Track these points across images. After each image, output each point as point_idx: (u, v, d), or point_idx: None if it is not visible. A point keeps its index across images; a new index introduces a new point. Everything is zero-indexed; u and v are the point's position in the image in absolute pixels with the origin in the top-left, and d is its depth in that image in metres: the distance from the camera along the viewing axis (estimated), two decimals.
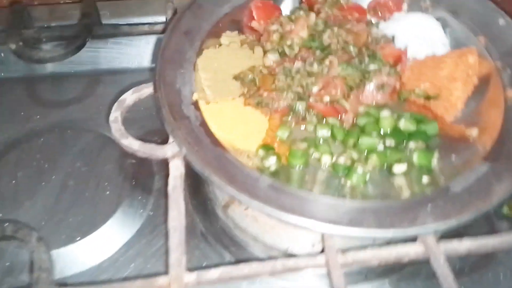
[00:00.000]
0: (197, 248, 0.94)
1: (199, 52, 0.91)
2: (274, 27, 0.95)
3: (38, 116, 1.16)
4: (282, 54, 0.94)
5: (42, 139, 1.09)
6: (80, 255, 0.92)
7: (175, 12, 1.16)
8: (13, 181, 1.02)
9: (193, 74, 0.87)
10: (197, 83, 0.88)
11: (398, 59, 0.94)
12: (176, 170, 0.81)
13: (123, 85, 1.20)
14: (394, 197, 0.77)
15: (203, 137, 0.78)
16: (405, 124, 0.87)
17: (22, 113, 1.17)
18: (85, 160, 1.05)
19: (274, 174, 0.81)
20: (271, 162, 0.80)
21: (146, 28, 1.11)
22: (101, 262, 0.92)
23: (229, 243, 0.94)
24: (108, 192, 1.00)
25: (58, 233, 0.94)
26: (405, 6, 1.04)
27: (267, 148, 0.84)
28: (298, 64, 0.88)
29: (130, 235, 0.96)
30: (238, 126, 0.85)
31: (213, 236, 0.95)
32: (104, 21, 1.23)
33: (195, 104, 0.83)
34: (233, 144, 0.83)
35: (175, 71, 0.86)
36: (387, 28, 1.00)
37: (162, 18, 1.19)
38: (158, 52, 0.88)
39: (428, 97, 0.93)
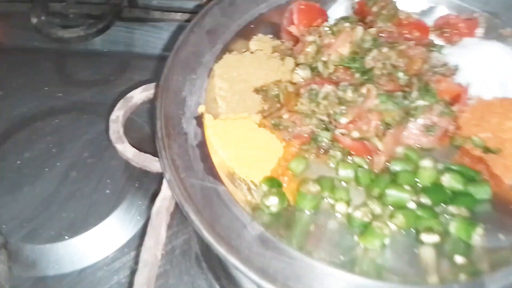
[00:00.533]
0: (187, 274, 0.84)
1: (219, 56, 0.79)
2: (311, 37, 0.80)
3: (60, 94, 1.11)
4: (315, 71, 0.80)
5: (57, 121, 1.04)
6: (64, 256, 0.86)
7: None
8: (18, 162, 0.98)
9: (205, 82, 0.76)
10: (208, 92, 0.76)
11: (457, 97, 0.76)
12: (168, 190, 0.71)
13: (152, 72, 1.13)
14: (411, 276, 0.61)
15: (196, 161, 0.66)
16: (449, 181, 0.71)
17: (46, 88, 1.12)
18: (93, 151, 0.98)
19: (274, 216, 0.68)
20: (272, 203, 0.68)
21: (178, 16, 1.00)
22: (84, 267, 0.85)
23: (222, 275, 0.83)
24: (108, 191, 0.92)
25: (48, 227, 0.88)
26: (479, 31, 0.84)
27: (273, 182, 0.71)
28: (327, 88, 0.73)
29: (121, 243, 0.88)
30: (246, 150, 0.73)
31: (208, 263, 0.85)
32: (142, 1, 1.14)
33: (199, 119, 0.72)
34: (235, 170, 0.71)
35: (185, 76, 0.75)
36: (452, 54, 0.82)
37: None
38: (171, 51, 0.77)
39: (487, 150, 0.75)
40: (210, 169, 0.66)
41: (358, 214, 0.67)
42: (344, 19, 0.82)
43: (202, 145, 0.68)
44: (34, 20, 0.94)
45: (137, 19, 1.05)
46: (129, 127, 0.83)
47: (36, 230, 0.88)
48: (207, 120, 0.73)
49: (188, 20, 1.03)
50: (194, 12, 1.06)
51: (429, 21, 0.88)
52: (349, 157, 0.75)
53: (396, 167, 0.73)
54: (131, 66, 1.16)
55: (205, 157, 0.67)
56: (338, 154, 0.74)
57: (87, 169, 0.95)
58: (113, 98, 1.08)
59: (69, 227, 0.88)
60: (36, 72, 1.15)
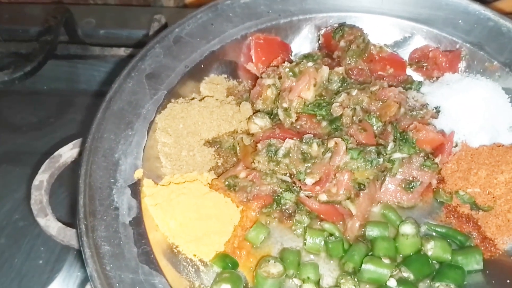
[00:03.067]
0: None
1: (162, 106, 0.67)
2: (269, 80, 0.69)
3: None
4: (275, 119, 0.68)
5: None
6: None
7: (162, 28, 0.92)
8: None
9: (145, 138, 0.64)
10: (149, 150, 0.64)
11: (440, 147, 0.65)
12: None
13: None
14: None
15: (129, 245, 0.54)
16: (435, 250, 0.60)
17: None
18: (24, 212, 0.84)
19: None
20: None
21: (121, 52, 0.88)
22: None
23: None
24: (41, 261, 0.79)
25: None
26: (462, 65, 0.74)
27: (226, 262, 0.59)
28: (289, 143, 0.62)
29: None
30: (194, 222, 0.60)
31: None
32: (86, 31, 1.02)
33: (134, 187, 0.59)
34: (180, 249, 0.59)
35: (119, 132, 0.63)
36: (432, 94, 0.71)
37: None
38: (102, 102, 0.64)
39: (476, 207, 0.64)
40: (146, 255, 0.54)
41: None
42: (307, 57, 0.71)
43: (137, 222, 0.56)
44: None
45: (75, 56, 0.92)
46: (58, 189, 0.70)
47: None
48: (146, 187, 0.60)
49: (132, 56, 0.91)
50: (142, 45, 0.94)
51: (404, 53, 0.78)
52: (318, 222, 0.63)
53: (373, 232, 0.62)
54: (74, 104, 1.02)
55: (140, 238, 0.55)
56: (305, 219, 0.63)
57: (17, 234, 0.81)
58: (52, 144, 0.95)
59: None
60: None
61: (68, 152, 0.69)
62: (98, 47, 0.90)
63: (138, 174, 0.60)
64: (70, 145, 0.70)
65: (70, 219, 0.71)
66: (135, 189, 0.59)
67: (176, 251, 0.59)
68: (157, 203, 0.60)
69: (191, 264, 0.59)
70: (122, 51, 0.89)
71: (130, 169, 0.61)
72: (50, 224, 0.63)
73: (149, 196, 0.60)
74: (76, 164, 0.73)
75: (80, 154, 0.62)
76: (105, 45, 0.91)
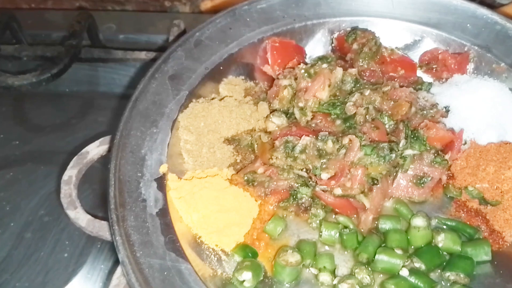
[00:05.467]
0: None
1: (184, 105, 0.71)
2: (285, 81, 0.72)
3: (17, 142, 1.00)
4: (291, 118, 0.72)
5: (11, 173, 0.94)
6: None
7: (182, 33, 0.97)
8: None
9: (169, 135, 0.67)
10: (172, 147, 0.67)
11: (450, 144, 0.69)
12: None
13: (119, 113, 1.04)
14: None
15: (156, 233, 0.58)
16: (445, 242, 0.63)
17: (1, 136, 1.02)
18: (50, 208, 0.88)
19: None
20: (246, 278, 0.59)
21: (143, 55, 0.92)
22: None
23: None
24: (66, 254, 0.82)
25: None
26: (470, 66, 0.77)
27: (246, 251, 0.62)
28: (305, 140, 0.65)
29: None
30: (216, 214, 0.64)
31: None
32: (107, 36, 1.06)
33: (160, 181, 0.63)
34: (203, 239, 0.62)
35: (144, 130, 0.66)
36: (441, 94, 0.75)
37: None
38: (128, 102, 0.68)
39: (484, 202, 0.67)
40: (172, 243, 0.57)
41: (344, 287, 0.59)
42: (322, 59, 0.75)
43: (164, 213, 0.60)
44: None
45: (98, 60, 0.97)
46: (85, 184, 0.74)
47: None
48: (170, 181, 0.64)
49: (154, 59, 0.95)
50: (161, 49, 0.98)
51: (414, 55, 0.81)
52: (333, 215, 0.66)
53: (385, 225, 0.65)
54: (95, 106, 1.06)
55: (167, 228, 0.58)
56: (321, 213, 0.66)
57: (43, 229, 0.85)
58: (75, 144, 0.99)
59: None
60: None
61: (95, 149, 0.73)
62: (121, 51, 0.94)
63: (163, 169, 0.64)
64: (97, 142, 0.74)
65: (96, 212, 0.74)
66: (161, 182, 0.63)
67: (199, 241, 0.62)
68: (181, 196, 0.63)
69: (213, 253, 0.62)
70: (144, 55, 0.93)
71: (155, 164, 0.64)
72: (80, 217, 0.66)
73: (174, 189, 0.64)
74: (102, 160, 0.77)
75: (109, 150, 0.66)
76: (127, 49, 0.94)
